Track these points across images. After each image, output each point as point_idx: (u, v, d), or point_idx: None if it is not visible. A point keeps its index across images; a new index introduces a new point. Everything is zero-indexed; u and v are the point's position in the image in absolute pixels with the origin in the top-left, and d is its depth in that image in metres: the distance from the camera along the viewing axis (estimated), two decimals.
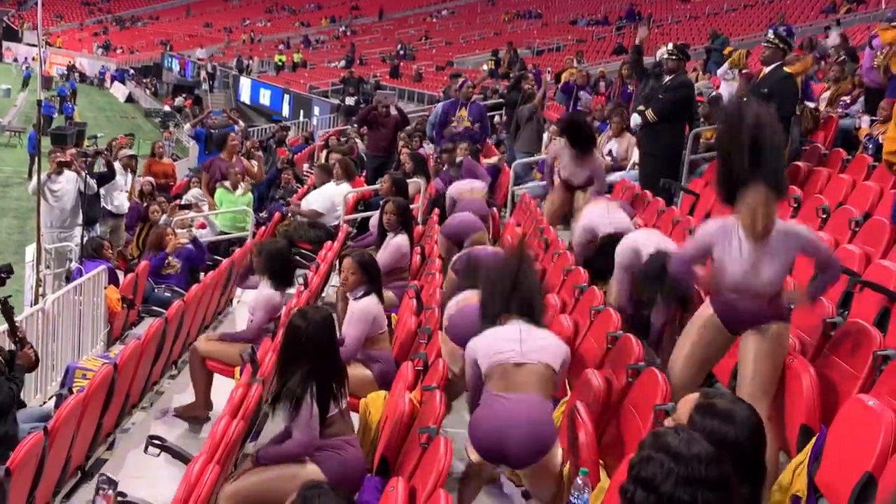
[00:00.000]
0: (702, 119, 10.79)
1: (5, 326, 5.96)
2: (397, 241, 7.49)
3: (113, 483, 3.34)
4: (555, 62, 25.57)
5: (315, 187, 11.77)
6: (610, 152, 10.90)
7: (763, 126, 4.34)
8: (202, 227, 11.09)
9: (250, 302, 6.91)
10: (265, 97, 38.23)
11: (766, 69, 8.46)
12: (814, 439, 3.76)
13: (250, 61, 45.55)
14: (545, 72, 18.81)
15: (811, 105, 9.88)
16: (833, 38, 11.75)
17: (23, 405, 5.94)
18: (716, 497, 2.33)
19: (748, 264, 4.32)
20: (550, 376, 4.20)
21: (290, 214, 11.19)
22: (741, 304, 4.36)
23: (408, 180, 11.78)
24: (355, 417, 4.87)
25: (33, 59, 52.13)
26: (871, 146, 8.60)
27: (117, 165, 11.86)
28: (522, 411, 4.02)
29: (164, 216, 10.69)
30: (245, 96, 40.76)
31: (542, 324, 4.50)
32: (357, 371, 5.35)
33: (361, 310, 5.61)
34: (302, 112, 32.10)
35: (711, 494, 2.33)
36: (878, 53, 9.19)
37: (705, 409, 2.74)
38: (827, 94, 11.04)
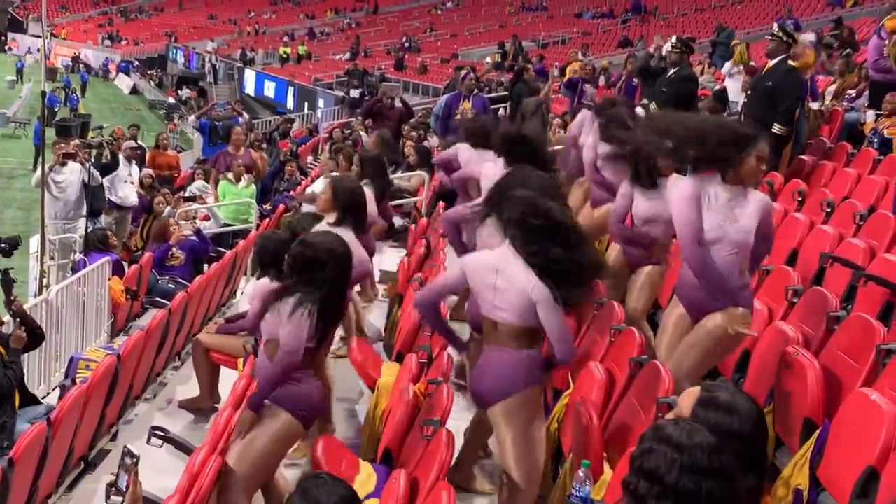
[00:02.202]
0: (706, 113, 10.75)
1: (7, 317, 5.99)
2: None
3: (136, 458, 3.33)
4: (560, 55, 25.52)
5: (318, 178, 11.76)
6: None
7: None
8: (206, 218, 11.09)
9: (249, 292, 6.91)
10: (270, 89, 38.24)
11: (771, 62, 8.43)
12: (816, 433, 3.76)
13: (254, 53, 45.54)
14: (552, 66, 18.76)
15: (815, 106, 9.82)
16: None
17: (34, 400, 5.96)
18: (719, 486, 2.34)
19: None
20: (519, 330, 3.98)
21: (297, 205, 11.14)
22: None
23: (412, 173, 11.78)
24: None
25: (38, 50, 52.07)
26: (876, 140, 8.58)
27: (121, 157, 11.87)
28: (493, 360, 4.03)
29: (169, 208, 10.69)
30: (250, 88, 40.78)
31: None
32: None
33: None
34: (306, 104, 32.11)
35: (715, 483, 2.34)
36: (887, 43, 9.17)
37: (708, 401, 2.75)
38: (832, 88, 11.01)
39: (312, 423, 4.39)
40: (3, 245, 6.29)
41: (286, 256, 4.39)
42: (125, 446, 3.44)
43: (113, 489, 3.36)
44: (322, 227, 5.34)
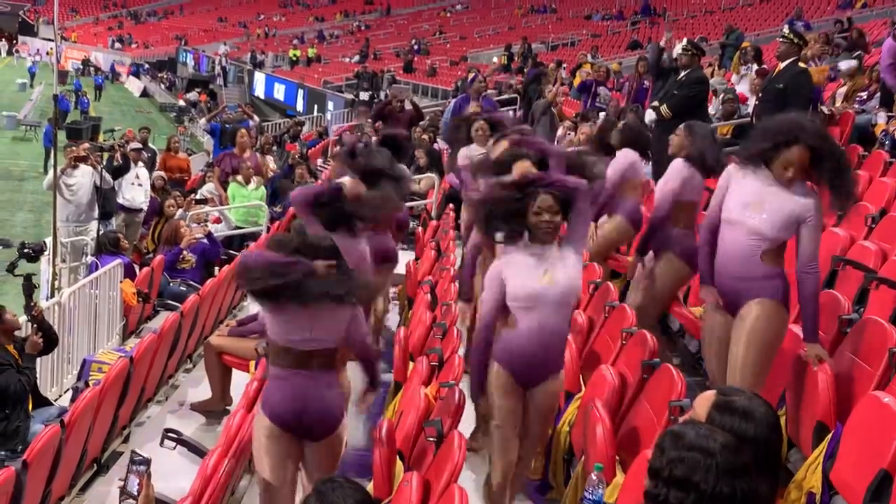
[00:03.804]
0: (719, 116, 10.76)
1: (24, 318, 6.03)
2: None
3: (146, 461, 3.31)
4: (569, 57, 25.50)
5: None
6: None
7: None
8: (217, 221, 11.12)
9: None
10: (279, 92, 38.31)
11: (782, 64, 8.42)
12: (829, 436, 3.75)
13: (264, 56, 45.67)
14: (560, 68, 18.75)
15: (824, 110, 9.79)
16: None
17: (46, 402, 5.99)
18: (749, 485, 2.34)
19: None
20: None
21: None
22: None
23: (422, 175, 11.80)
24: None
25: (48, 53, 52.33)
26: (887, 142, 8.55)
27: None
28: None
29: (181, 211, 10.73)
30: (259, 91, 40.88)
31: None
32: None
33: None
34: (316, 107, 32.16)
35: (745, 483, 2.33)
36: None
37: (724, 406, 2.72)
38: (843, 90, 10.96)
39: (287, 423, 4.02)
40: (27, 250, 6.35)
41: None
42: (133, 450, 3.46)
43: (125, 493, 3.37)
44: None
